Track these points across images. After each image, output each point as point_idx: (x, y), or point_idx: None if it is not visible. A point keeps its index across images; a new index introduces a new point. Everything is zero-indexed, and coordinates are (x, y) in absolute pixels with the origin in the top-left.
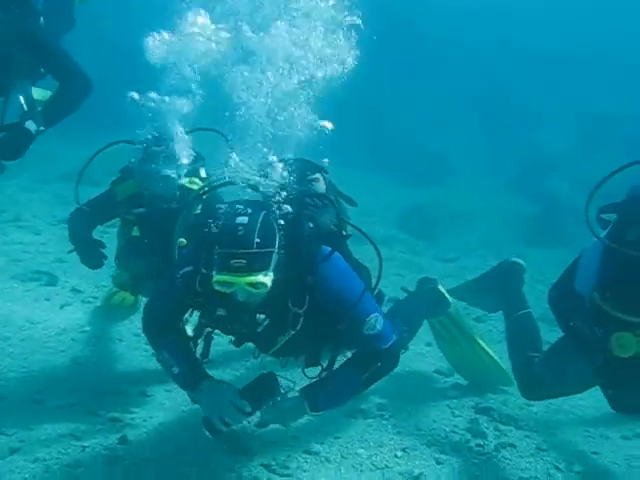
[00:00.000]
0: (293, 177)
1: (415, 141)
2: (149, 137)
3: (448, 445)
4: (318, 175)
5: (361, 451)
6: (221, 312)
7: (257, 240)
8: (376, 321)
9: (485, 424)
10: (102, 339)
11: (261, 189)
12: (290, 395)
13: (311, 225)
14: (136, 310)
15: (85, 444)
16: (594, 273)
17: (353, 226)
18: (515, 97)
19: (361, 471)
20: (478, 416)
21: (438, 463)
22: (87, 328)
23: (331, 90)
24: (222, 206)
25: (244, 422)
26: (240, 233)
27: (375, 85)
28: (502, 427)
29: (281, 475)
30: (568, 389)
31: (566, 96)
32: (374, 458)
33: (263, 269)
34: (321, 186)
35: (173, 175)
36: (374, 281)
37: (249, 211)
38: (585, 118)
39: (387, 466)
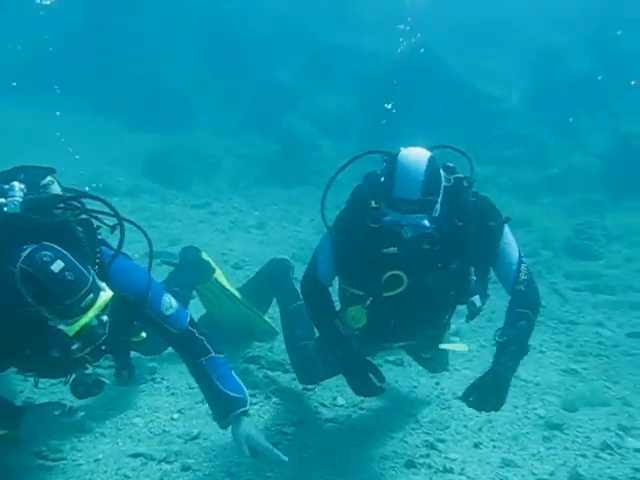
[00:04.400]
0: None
1: (145, 82)
2: None
3: None
4: (50, 178)
5: (137, 420)
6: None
7: (85, 272)
8: (170, 300)
9: (255, 372)
10: None
11: (5, 209)
12: None
13: (80, 229)
14: None
15: None
16: (330, 263)
17: (121, 218)
18: (242, 28)
19: (139, 440)
20: (247, 365)
21: (214, 419)
22: None
23: None
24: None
25: None
26: (71, 278)
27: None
28: (271, 373)
29: (54, 460)
30: (337, 368)
31: (294, 27)
32: (151, 425)
33: (100, 287)
34: (56, 188)
35: None
36: None
37: (50, 254)
38: (315, 50)
39: (165, 430)
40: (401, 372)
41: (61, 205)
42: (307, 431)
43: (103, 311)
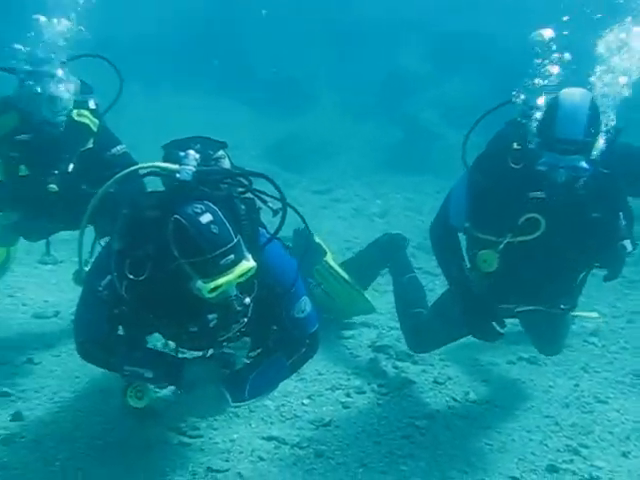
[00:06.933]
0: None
1: (271, 67)
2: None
3: (352, 388)
4: (222, 152)
5: (268, 402)
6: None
7: (231, 231)
8: (306, 304)
9: (384, 362)
10: None
11: (178, 176)
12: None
13: (243, 207)
14: (7, 269)
15: None
16: (463, 205)
17: (286, 203)
18: (365, 15)
19: (271, 423)
20: (376, 355)
21: (345, 407)
22: None
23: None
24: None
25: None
26: (215, 231)
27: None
28: (400, 364)
29: (192, 437)
30: (454, 332)
31: (415, 13)
32: (282, 409)
33: (245, 254)
34: (227, 163)
35: (62, 96)
36: None
37: (202, 206)
38: (436, 37)
39: (296, 415)
40: (535, 370)
41: (228, 180)
42: (439, 425)
43: (244, 283)
